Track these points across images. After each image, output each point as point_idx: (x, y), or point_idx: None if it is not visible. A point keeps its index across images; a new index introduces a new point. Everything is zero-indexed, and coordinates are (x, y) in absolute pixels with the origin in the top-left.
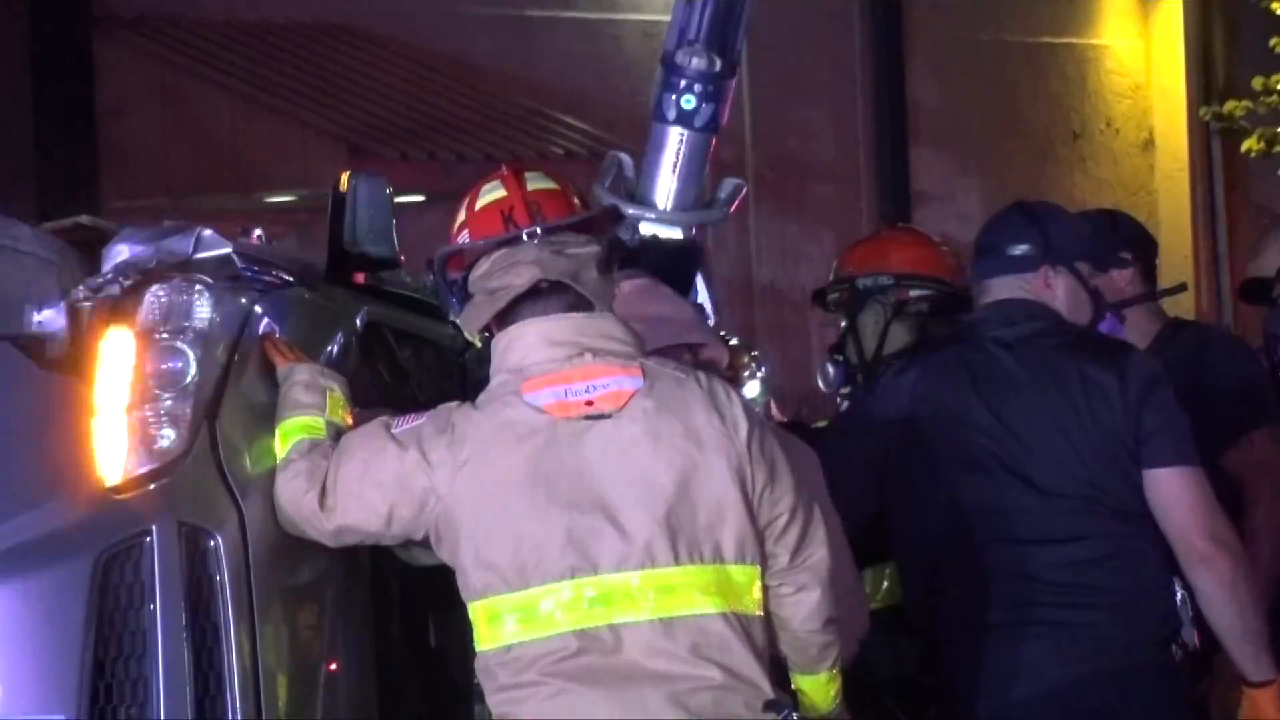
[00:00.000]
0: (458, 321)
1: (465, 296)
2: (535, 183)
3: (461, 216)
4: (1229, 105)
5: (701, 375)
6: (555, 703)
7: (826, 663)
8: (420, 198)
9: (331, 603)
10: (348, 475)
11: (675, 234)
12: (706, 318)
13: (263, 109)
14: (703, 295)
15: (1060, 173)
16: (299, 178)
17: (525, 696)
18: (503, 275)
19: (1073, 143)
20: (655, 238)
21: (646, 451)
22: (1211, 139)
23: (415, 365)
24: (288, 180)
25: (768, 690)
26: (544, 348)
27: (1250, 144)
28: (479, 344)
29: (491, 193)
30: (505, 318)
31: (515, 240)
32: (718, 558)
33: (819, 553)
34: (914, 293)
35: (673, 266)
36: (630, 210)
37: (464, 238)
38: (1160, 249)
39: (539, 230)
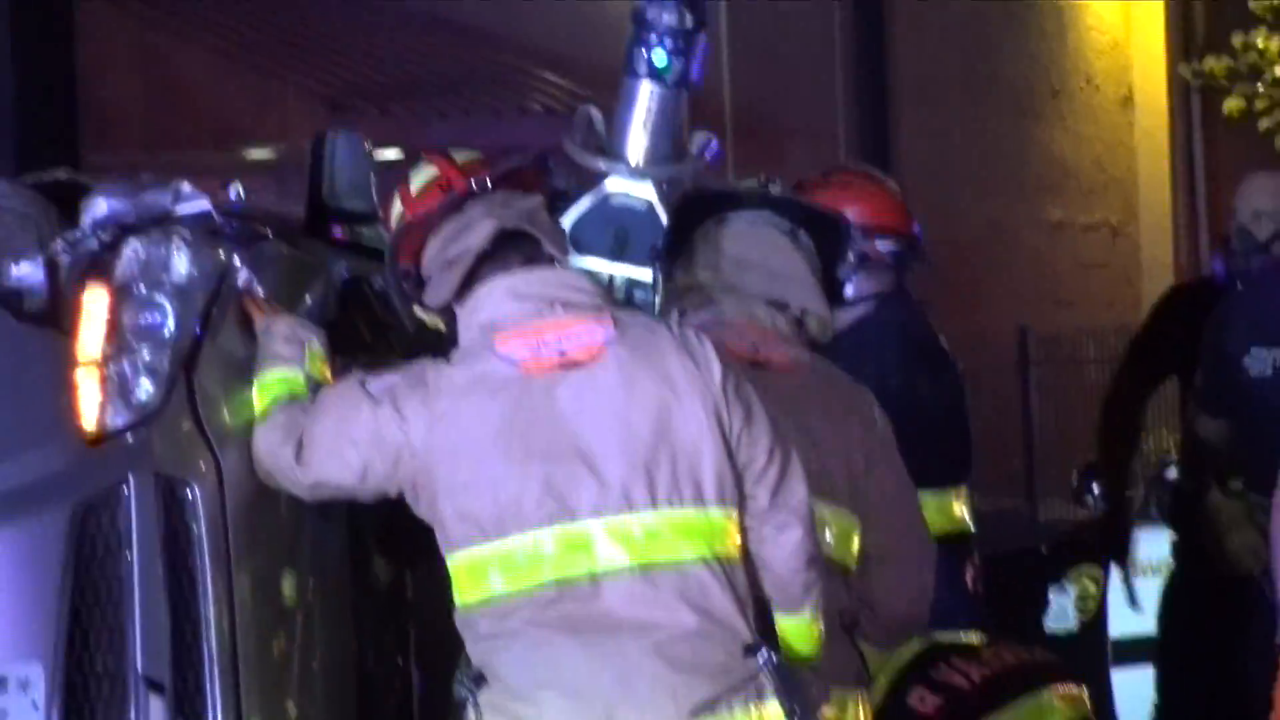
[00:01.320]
0: (420, 306)
1: (420, 284)
2: (462, 155)
3: (399, 208)
4: (1208, 62)
5: (673, 323)
6: (535, 653)
7: (809, 603)
8: (399, 154)
9: (308, 552)
10: (323, 431)
11: (646, 189)
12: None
13: (242, 65)
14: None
15: (1040, 130)
16: (278, 133)
17: (506, 646)
18: (459, 241)
19: (1052, 100)
20: (812, 207)
21: (621, 398)
22: (1191, 95)
23: (394, 320)
24: (267, 136)
25: (746, 634)
26: (513, 302)
27: (1231, 104)
28: (443, 326)
29: (423, 174)
30: (467, 285)
31: (461, 205)
32: (698, 500)
33: (799, 492)
34: (880, 246)
35: (824, 232)
36: (601, 164)
37: (409, 218)
38: (1139, 205)
39: (488, 182)
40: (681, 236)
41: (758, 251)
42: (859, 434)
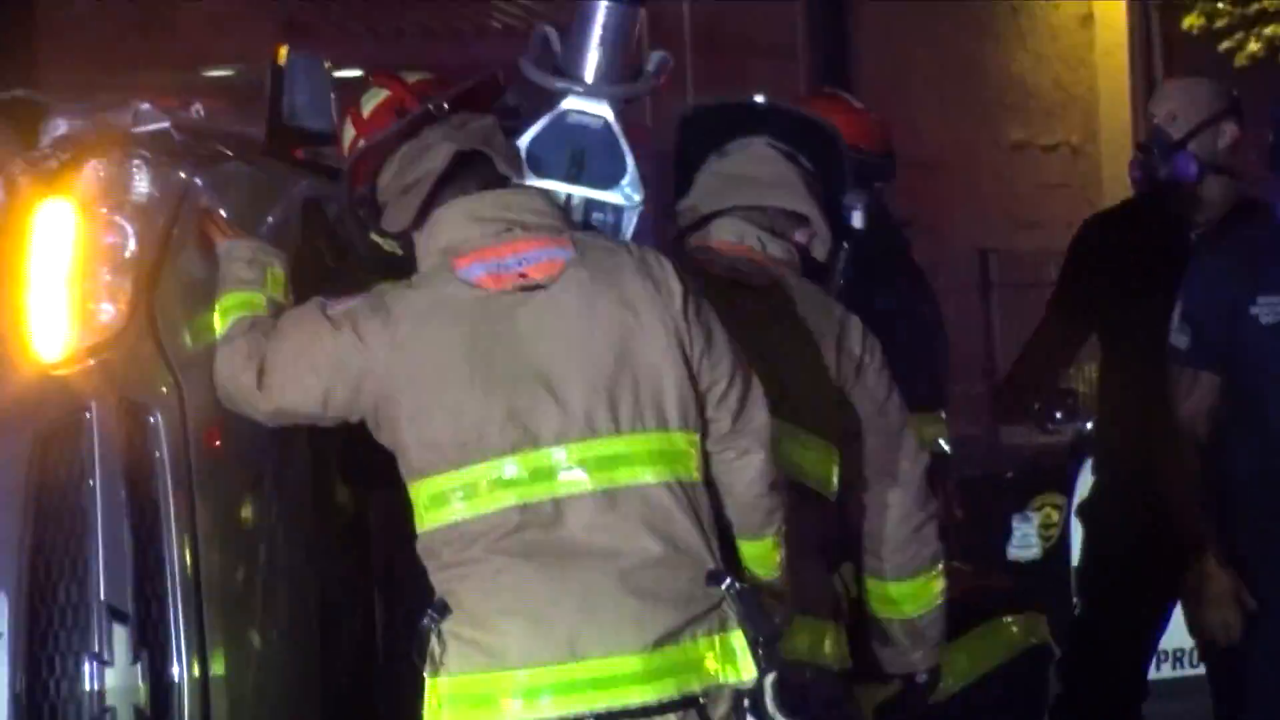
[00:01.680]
0: (377, 231)
1: (377, 208)
2: (412, 76)
3: (351, 131)
4: None
5: (632, 244)
6: (498, 580)
7: (771, 528)
8: (358, 72)
9: (270, 478)
10: (283, 357)
11: (603, 108)
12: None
13: None
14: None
15: (999, 48)
16: (237, 52)
17: (468, 574)
18: (416, 165)
19: (1012, 19)
20: (799, 114)
21: (582, 321)
22: (1151, 13)
23: (362, 250)
24: (226, 55)
25: (710, 562)
26: (472, 224)
27: (1191, 20)
28: (400, 251)
29: (375, 97)
30: (425, 209)
31: (416, 128)
32: (661, 424)
33: (760, 416)
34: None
35: (813, 144)
36: (558, 84)
37: (364, 143)
38: (1100, 124)
39: (445, 104)
40: (687, 169)
41: (751, 167)
42: (835, 357)
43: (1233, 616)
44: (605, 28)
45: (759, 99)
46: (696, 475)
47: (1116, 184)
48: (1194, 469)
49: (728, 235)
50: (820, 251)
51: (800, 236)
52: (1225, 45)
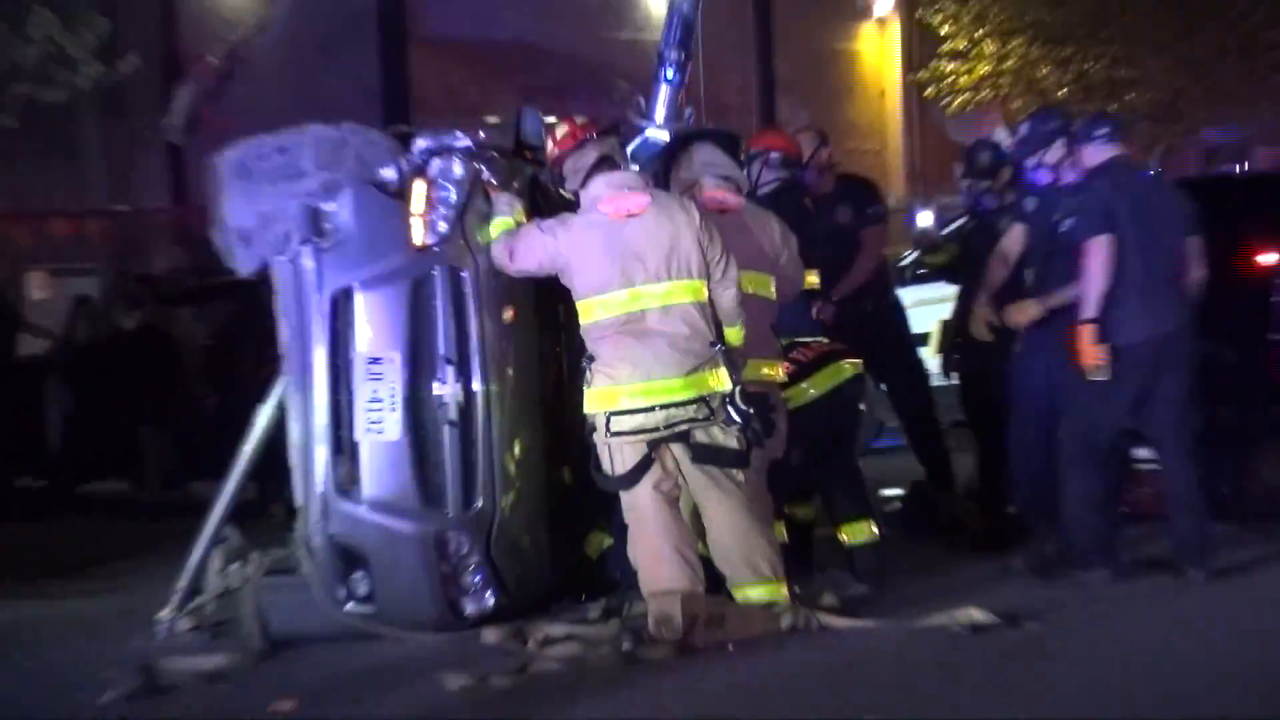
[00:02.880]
0: (562, 190)
1: (562, 180)
2: (580, 119)
3: (551, 144)
4: (921, 74)
5: (676, 195)
6: (615, 344)
7: (739, 321)
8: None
9: (518, 300)
10: (522, 247)
11: (664, 133)
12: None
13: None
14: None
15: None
16: (503, 107)
17: (603, 343)
18: (581, 160)
19: (847, 93)
20: (723, 132)
21: (655, 231)
22: (911, 89)
23: (551, 198)
24: (498, 108)
25: (711, 337)
26: (607, 188)
27: (922, 78)
28: (573, 199)
29: (562, 129)
30: (585, 181)
31: (581, 145)
32: (689, 277)
33: (733, 272)
34: (776, 157)
35: (731, 145)
36: (645, 124)
37: (558, 151)
38: (888, 137)
39: (594, 133)
40: (672, 155)
41: (711, 155)
42: (769, 237)
43: (980, 328)
44: (668, 99)
45: (706, 128)
46: (705, 298)
47: (896, 172)
48: (992, 279)
49: (713, 188)
50: (744, 189)
51: (737, 180)
52: (950, 105)
